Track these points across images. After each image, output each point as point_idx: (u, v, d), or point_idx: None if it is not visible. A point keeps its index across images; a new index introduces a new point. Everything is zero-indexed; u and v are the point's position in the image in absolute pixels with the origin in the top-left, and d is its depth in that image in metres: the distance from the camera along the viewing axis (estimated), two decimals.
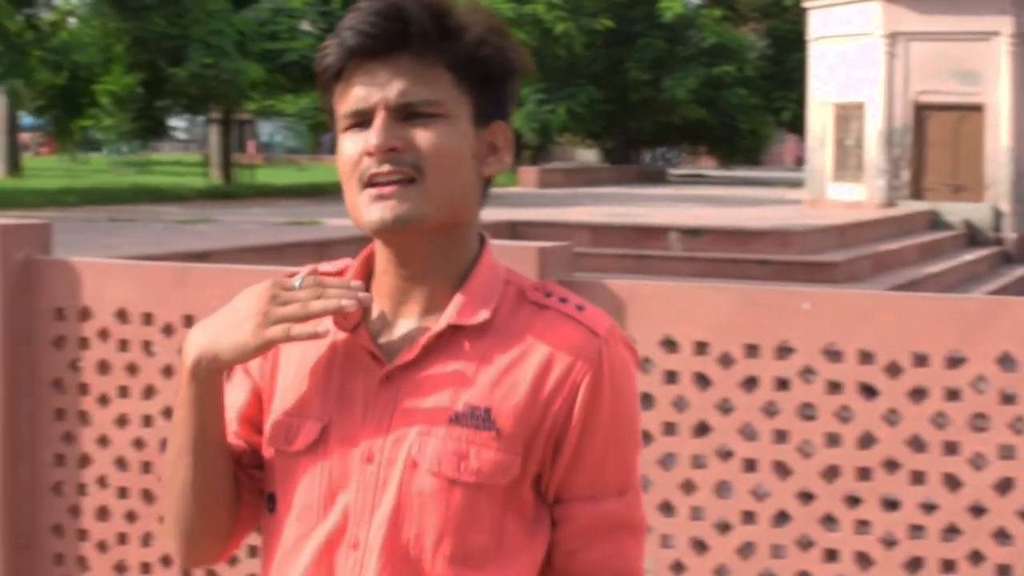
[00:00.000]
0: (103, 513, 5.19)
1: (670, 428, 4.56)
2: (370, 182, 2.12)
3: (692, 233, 22.00)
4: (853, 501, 4.41)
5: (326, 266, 2.31)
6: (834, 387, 4.41)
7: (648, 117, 55.66)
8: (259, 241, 18.76)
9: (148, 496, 5.13)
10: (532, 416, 2.14)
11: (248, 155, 51.04)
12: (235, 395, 2.31)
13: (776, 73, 56.09)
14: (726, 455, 4.52)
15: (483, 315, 2.16)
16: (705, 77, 52.40)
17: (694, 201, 35.22)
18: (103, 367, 5.16)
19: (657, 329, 4.53)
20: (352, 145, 2.15)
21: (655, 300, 4.55)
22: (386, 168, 2.11)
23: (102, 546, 5.19)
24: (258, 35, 34.75)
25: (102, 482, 5.19)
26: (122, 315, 5.12)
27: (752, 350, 4.46)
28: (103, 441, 5.17)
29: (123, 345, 5.12)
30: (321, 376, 2.22)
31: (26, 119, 56.91)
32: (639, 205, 31.52)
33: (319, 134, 71.37)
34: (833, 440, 4.41)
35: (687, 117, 54.33)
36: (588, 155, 68.22)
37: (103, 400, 5.16)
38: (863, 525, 4.41)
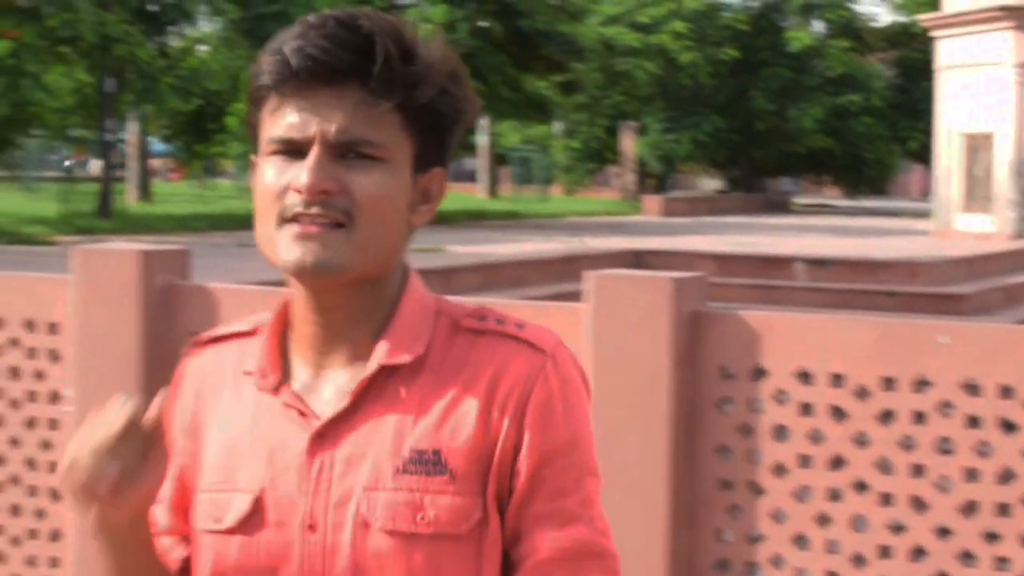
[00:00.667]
0: None
1: (805, 461, 4.53)
2: (293, 219, 1.92)
3: (818, 263, 21.83)
4: (992, 537, 4.35)
5: (234, 325, 2.12)
6: (972, 421, 4.35)
7: (772, 146, 55.38)
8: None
9: None
10: (484, 450, 1.93)
11: None
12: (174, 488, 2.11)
13: (903, 102, 55.55)
14: (862, 488, 4.48)
15: (416, 349, 1.97)
16: (831, 106, 52.06)
17: (820, 231, 34.96)
18: None
19: (792, 361, 4.51)
20: (277, 174, 1.94)
21: (790, 332, 4.52)
22: (314, 210, 1.91)
23: None
24: None
25: None
26: None
27: (889, 383, 4.41)
28: None
29: None
30: (247, 443, 2.01)
31: (156, 145, 57.81)
32: (764, 235, 31.35)
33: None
34: (971, 475, 4.35)
35: (812, 146, 53.97)
36: (711, 184, 67.98)
37: None
38: (1002, 562, 4.35)
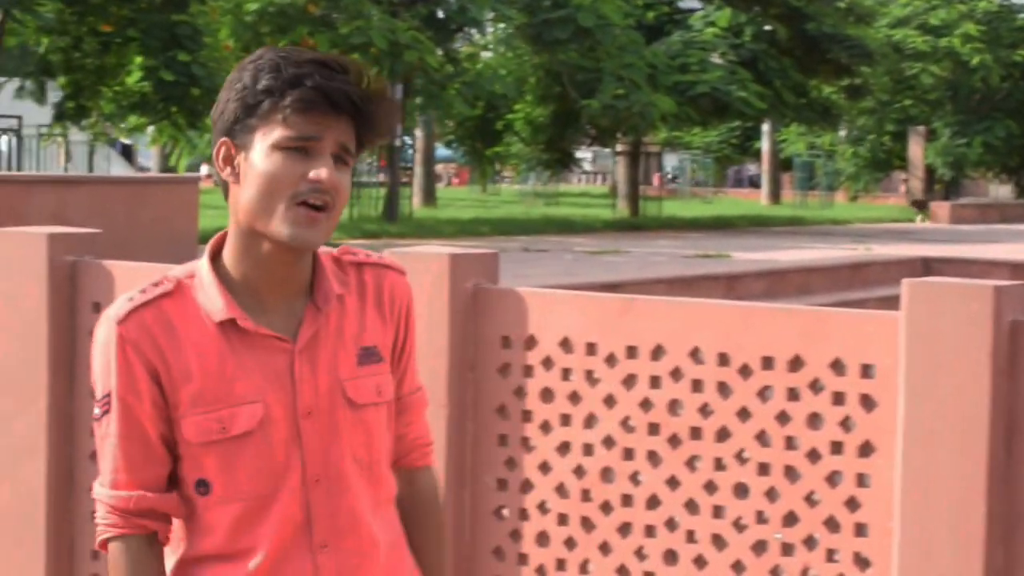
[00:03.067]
0: (543, 538, 5.28)
1: None
2: (303, 203, 2.65)
3: None
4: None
5: (148, 292, 2.72)
6: None
7: None
8: (670, 273, 18.85)
9: (587, 523, 5.19)
10: (390, 340, 2.85)
11: (654, 187, 51.39)
12: (140, 447, 2.74)
13: None
14: None
15: (338, 280, 2.78)
16: None
17: None
18: (547, 395, 5.26)
19: None
20: (291, 164, 2.65)
21: None
22: (320, 200, 2.65)
23: (541, 571, 5.29)
24: (669, 68, 34.97)
25: (543, 507, 5.28)
26: (565, 344, 5.21)
27: None
28: (544, 467, 5.27)
29: (566, 374, 5.21)
30: (232, 368, 2.71)
31: (440, 150, 58.76)
32: None
33: (725, 167, 71.37)
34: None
35: None
36: (1002, 191, 66.24)
37: (545, 427, 5.26)
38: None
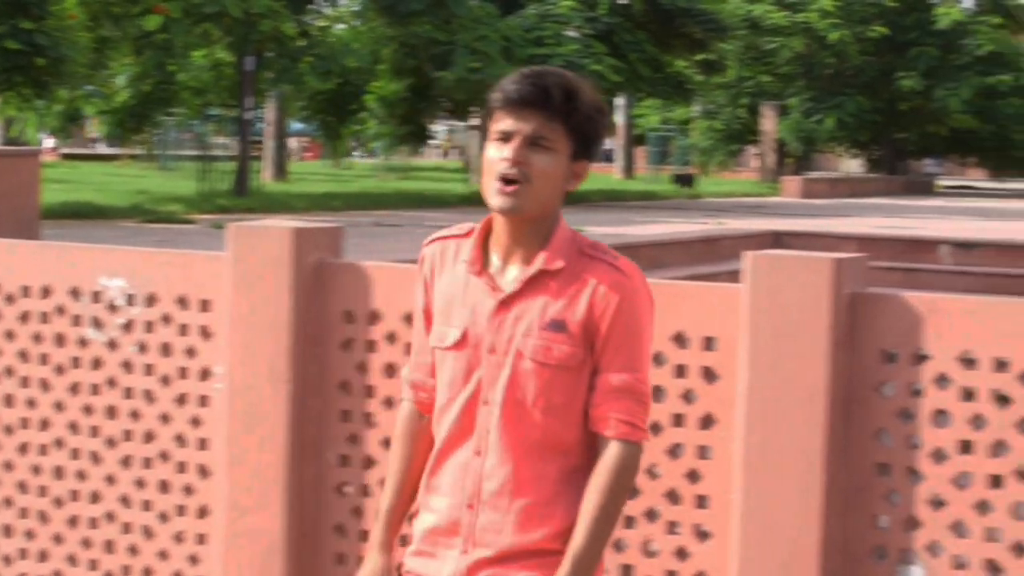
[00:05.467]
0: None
1: (966, 446, 4.43)
2: (500, 178, 3.33)
3: (964, 246, 21.43)
4: None
5: (453, 230, 3.55)
6: None
7: (916, 127, 54.57)
8: None
9: None
10: (587, 323, 3.36)
11: None
12: (422, 338, 3.59)
13: None
14: (1022, 476, 4.37)
15: (559, 264, 3.39)
16: (979, 86, 51.12)
17: (965, 213, 34.42)
18: (390, 370, 5.21)
19: (955, 344, 4.41)
20: (497, 151, 3.37)
21: (955, 314, 4.42)
22: (513, 172, 3.33)
23: None
24: (524, 40, 34.95)
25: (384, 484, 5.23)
26: (409, 319, 5.16)
27: None
28: (386, 444, 5.22)
29: (408, 349, 5.15)
30: (459, 301, 3.45)
31: (293, 124, 58.24)
32: (907, 217, 30.92)
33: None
34: None
35: (957, 127, 53.08)
36: (852, 165, 67.19)
37: (388, 402, 5.21)
38: None
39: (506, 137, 3.36)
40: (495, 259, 3.44)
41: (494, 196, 3.34)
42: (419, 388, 3.61)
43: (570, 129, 3.37)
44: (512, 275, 3.41)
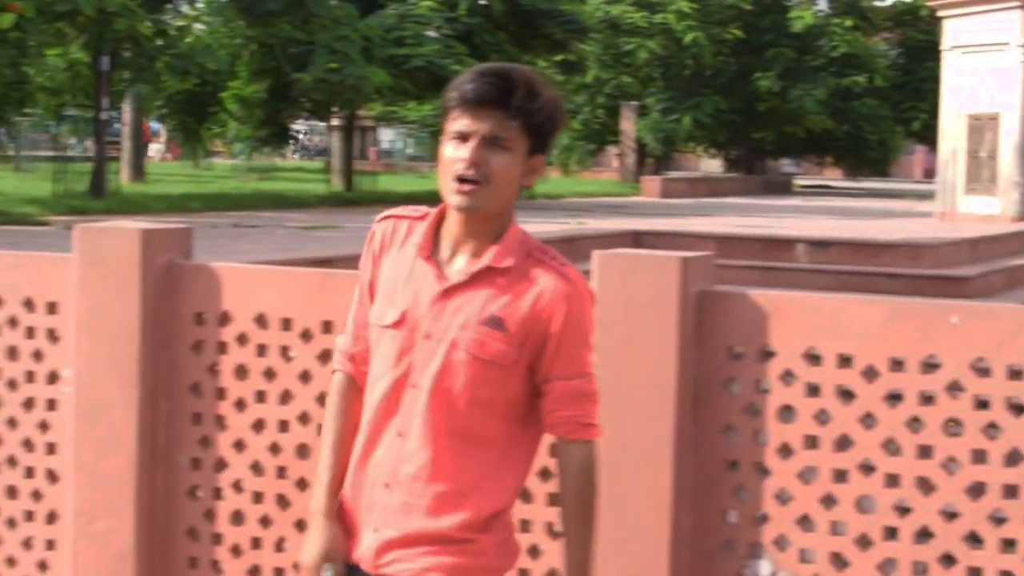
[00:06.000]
0: (238, 517, 5.20)
1: (811, 441, 4.49)
2: (458, 178, 3.42)
3: (820, 245, 21.74)
4: (998, 520, 4.31)
5: (408, 210, 3.63)
6: (981, 403, 4.32)
7: (774, 127, 55.20)
8: None
9: (283, 501, 5.13)
10: (527, 326, 3.45)
11: (370, 162, 51.18)
12: (362, 311, 3.67)
13: (907, 83, 55.27)
14: (868, 470, 4.44)
15: (508, 262, 3.47)
16: (834, 87, 51.84)
17: (821, 213, 34.87)
18: (241, 372, 5.18)
19: (800, 341, 4.47)
20: (454, 151, 3.44)
21: (799, 312, 4.49)
22: (471, 173, 3.41)
23: (236, 550, 5.21)
24: (384, 41, 34.81)
25: (237, 486, 5.21)
26: (261, 320, 5.13)
27: (897, 364, 4.38)
28: (239, 445, 5.19)
29: (261, 350, 5.14)
30: (403, 282, 3.53)
31: (153, 124, 57.57)
32: (764, 216, 31.27)
33: (439, 142, 71.36)
34: (979, 457, 4.32)
35: (814, 127, 53.79)
36: (711, 165, 67.84)
37: (240, 404, 5.18)
38: (1008, 544, 4.31)
39: (463, 137, 3.43)
40: (445, 247, 3.52)
41: (452, 195, 3.44)
42: (356, 360, 3.69)
43: (527, 127, 3.44)
44: (459, 266, 3.50)
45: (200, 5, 37.21)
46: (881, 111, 54.02)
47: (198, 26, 38.34)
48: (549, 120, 3.48)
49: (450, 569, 3.47)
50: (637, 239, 22.31)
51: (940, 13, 34.45)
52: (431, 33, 36.45)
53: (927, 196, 40.70)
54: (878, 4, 58.40)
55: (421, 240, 3.53)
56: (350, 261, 16.29)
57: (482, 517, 3.49)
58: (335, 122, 41.34)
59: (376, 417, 3.55)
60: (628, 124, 52.87)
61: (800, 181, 60.31)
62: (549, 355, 3.47)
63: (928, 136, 50.80)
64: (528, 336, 3.45)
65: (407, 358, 3.50)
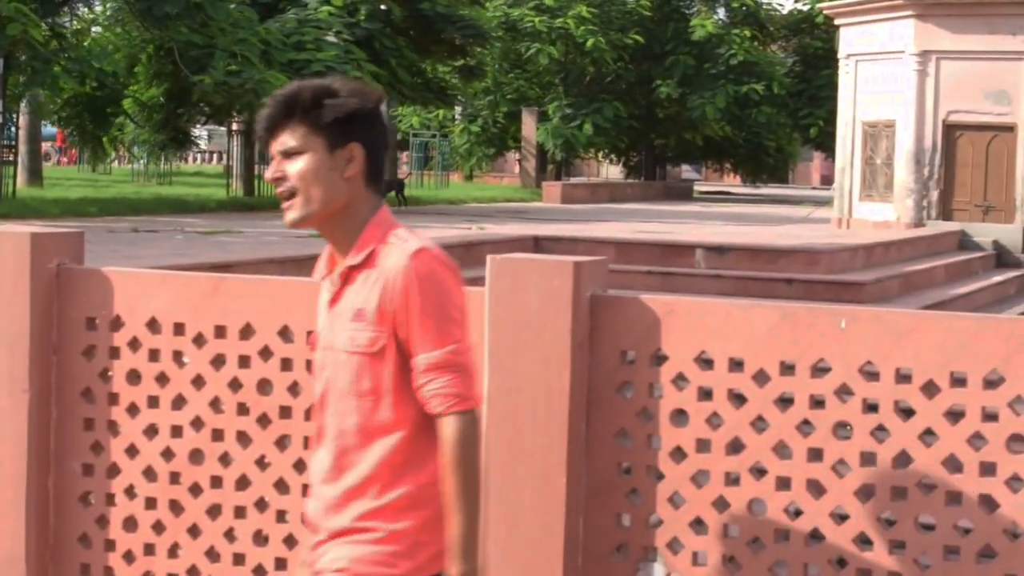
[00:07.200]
0: (130, 523, 5.16)
1: (704, 445, 4.52)
2: (279, 197, 3.61)
3: (718, 251, 21.88)
4: (888, 522, 4.36)
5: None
6: (870, 407, 4.37)
7: (674, 134, 55.54)
8: (283, 253, 18.68)
9: (176, 507, 5.10)
10: (383, 308, 3.52)
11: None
12: None
13: (804, 90, 55.84)
14: (760, 473, 4.48)
15: (361, 257, 3.57)
16: (733, 95, 52.24)
17: (720, 219, 35.10)
18: (133, 377, 5.14)
19: (693, 345, 4.50)
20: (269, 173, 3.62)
21: (691, 316, 4.52)
22: (280, 189, 3.59)
23: (129, 556, 5.17)
24: (283, 45, 34.65)
25: (130, 492, 5.16)
26: (153, 325, 5.10)
27: (788, 368, 4.42)
28: (132, 451, 5.15)
29: (153, 355, 5.10)
30: (320, 307, 3.72)
31: (48, 128, 56.97)
32: (664, 222, 31.44)
33: None
34: (868, 459, 4.37)
35: (713, 134, 54.19)
36: (612, 171, 68.11)
37: (132, 409, 5.14)
38: (898, 546, 4.36)
39: (273, 156, 3.60)
40: (336, 264, 3.66)
41: (285, 215, 3.61)
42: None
43: (315, 126, 3.54)
44: (336, 276, 3.65)
45: (97, 8, 36.86)
46: (779, 118, 54.54)
47: (96, 29, 38.01)
48: (328, 108, 3.55)
49: (355, 560, 3.54)
50: (537, 244, 22.34)
51: (836, 21, 34.86)
52: (331, 38, 36.32)
53: (824, 202, 41.10)
54: (775, 13, 58.93)
55: (320, 264, 3.71)
56: (248, 266, 16.23)
57: (388, 507, 3.55)
58: (235, 127, 41.10)
59: (317, 434, 3.75)
60: (529, 129, 52.98)
61: (700, 187, 60.74)
62: (406, 332, 3.53)
63: (825, 143, 51.37)
64: (385, 318, 3.53)
65: (323, 375, 3.67)
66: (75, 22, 36.57)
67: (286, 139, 3.56)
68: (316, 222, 3.57)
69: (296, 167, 3.54)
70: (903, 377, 4.31)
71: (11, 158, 33.74)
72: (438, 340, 3.52)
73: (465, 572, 3.52)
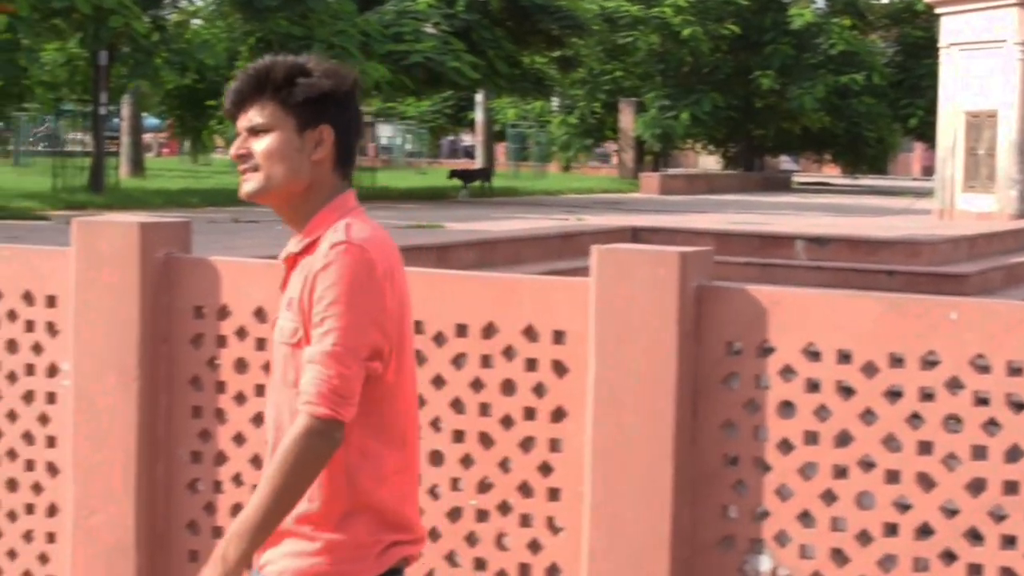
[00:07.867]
0: (237, 511, 5.20)
1: (812, 437, 4.49)
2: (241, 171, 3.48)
3: (818, 242, 21.73)
4: (999, 516, 4.31)
5: None
6: (980, 399, 4.32)
7: (772, 124, 55.20)
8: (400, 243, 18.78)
9: None
10: (303, 299, 3.34)
11: (368, 158, 51.20)
12: None
13: (904, 80, 55.34)
14: (868, 466, 4.44)
15: (302, 244, 3.42)
16: (832, 85, 51.84)
17: (819, 210, 34.87)
18: (240, 365, 5.18)
19: (800, 337, 4.47)
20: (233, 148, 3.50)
21: (797, 307, 4.49)
22: (242, 165, 3.44)
23: None
24: (382, 36, 34.82)
25: (237, 480, 5.21)
26: (260, 314, 5.13)
27: (897, 360, 4.38)
28: (239, 439, 5.19)
29: (260, 344, 5.14)
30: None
31: (149, 120, 57.57)
32: (763, 213, 31.28)
33: (439, 137, 71.51)
34: (979, 453, 4.32)
35: (812, 125, 53.79)
36: (709, 162, 67.84)
37: (240, 398, 5.18)
38: (1009, 541, 4.31)
39: (239, 132, 3.48)
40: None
41: (241, 185, 3.50)
42: None
43: (286, 105, 3.41)
44: (281, 260, 3.55)
45: (198, 1, 37.18)
46: (879, 109, 54.01)
47: (196, 21, 38.34)
48: (312, 88, 3.41)
49: (285, 556, 3.38)
50: (636, 235, 22.29)
51: (937, 10, 34.45)
52: (429, 29, 36.45)
53: (926, 193, 40.70)
54: (875, 2, 58.42)
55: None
56: None
57: (326, 512, 3.37)
58: None
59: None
60: (626, 120, 52.87)
61: (798, 178, 60.33)
62: (310, 325, 3.34)
63: (926, 133, 50.88)
64: (304, 309, 3.34)
65: (275, 365, 3.52)
66: (176, 15, 36.86)
67: (254, 115, 3.42)
68: (272, 199, 3.43)
69: (262, 145, 3.41)
70: (1014, 370, 4.25)
71: (114, 149, 34.13)
72: (320, 336, 3.28)
73: (226, 557, 3.28)
